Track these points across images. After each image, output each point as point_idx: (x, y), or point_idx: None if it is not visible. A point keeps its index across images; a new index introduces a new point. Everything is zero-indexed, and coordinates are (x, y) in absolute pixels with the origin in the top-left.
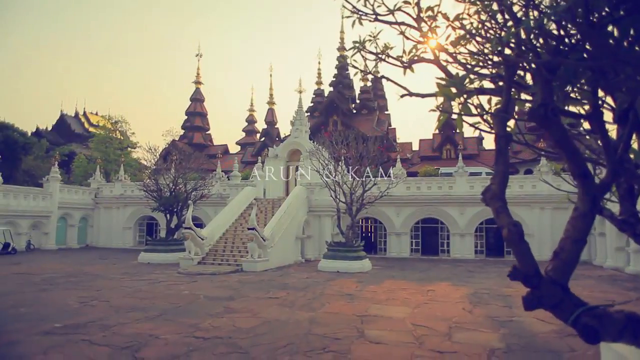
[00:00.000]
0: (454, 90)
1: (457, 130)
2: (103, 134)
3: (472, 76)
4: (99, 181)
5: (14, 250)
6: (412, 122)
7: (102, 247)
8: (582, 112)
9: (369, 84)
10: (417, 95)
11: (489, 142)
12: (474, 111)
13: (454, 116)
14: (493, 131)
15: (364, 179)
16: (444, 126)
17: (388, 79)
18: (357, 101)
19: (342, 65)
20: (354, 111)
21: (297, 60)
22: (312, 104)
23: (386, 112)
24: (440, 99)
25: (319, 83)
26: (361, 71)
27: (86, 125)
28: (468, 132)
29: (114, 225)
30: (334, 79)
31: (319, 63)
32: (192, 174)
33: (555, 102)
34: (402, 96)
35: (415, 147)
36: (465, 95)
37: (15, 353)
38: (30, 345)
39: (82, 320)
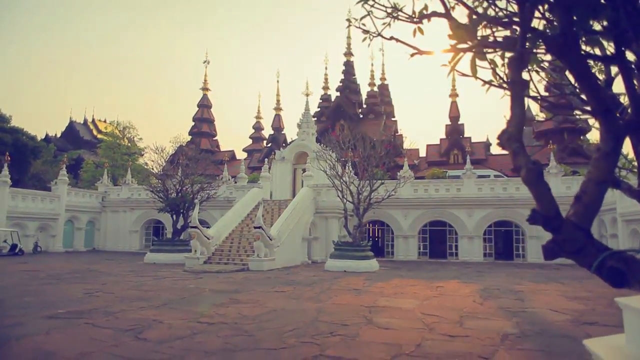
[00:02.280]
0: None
1: (473, 75)
2: (111, 140)
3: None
4: (106, 185)
5: (21, 252)
6: (419, 129)
7: (109, 250)
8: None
9: (375, 88)
10: (428, 53)
11: (497, 148)
12: (487, 65)
13: (468, 69)
14: (508, 90)
15: (371, 180)
16: (451, 131)
17: (397, 40)
18: (364, 106)
19: (349, 70)
20: (361, 116)
21: (304, 66)
22: (318, 109)
23: (393, 119)
24: (451, 56)
25: (325, 88)
26: (369, 33)
27: (95, 132)
28: (475, 137)
29: (121, 228)
30: (341, 84)
31: (326, 68)
32: (198, 178)
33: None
34: (412, 55)
35: (422, 154)
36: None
37: (18, 333)
38: (33, 327)
39: (86, 307)
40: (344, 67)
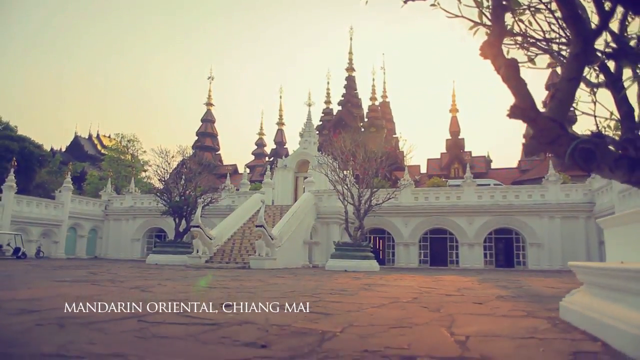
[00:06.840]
0: None
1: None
2: (115, 155)
3: None
4: (109, 193)
5: (24, 255)
6: (420, 146)
7: (111, 258)
8: None
9: (376, 103)
10: None
11: (498, 162)
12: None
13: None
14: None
15: (370, 184)
16: (451, 145)
17: None
18: (366, 119)
19: (351, 85)
20: (362, 129)
21: (307, 81)
22: (320, 122)
23: (394, 136)
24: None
25: (327, 102)
26: None
27: (99, 147)
28: (476, 151)
29: (123, 237)
30: (343, 98)
31: (328, 83)
32: (200, 188)
33: None
34: (405, 2)
35: (423, 170)
36: None
37: (28, 287)
38: (42, 285)
39: (92, 278)
40: (345, 82)
